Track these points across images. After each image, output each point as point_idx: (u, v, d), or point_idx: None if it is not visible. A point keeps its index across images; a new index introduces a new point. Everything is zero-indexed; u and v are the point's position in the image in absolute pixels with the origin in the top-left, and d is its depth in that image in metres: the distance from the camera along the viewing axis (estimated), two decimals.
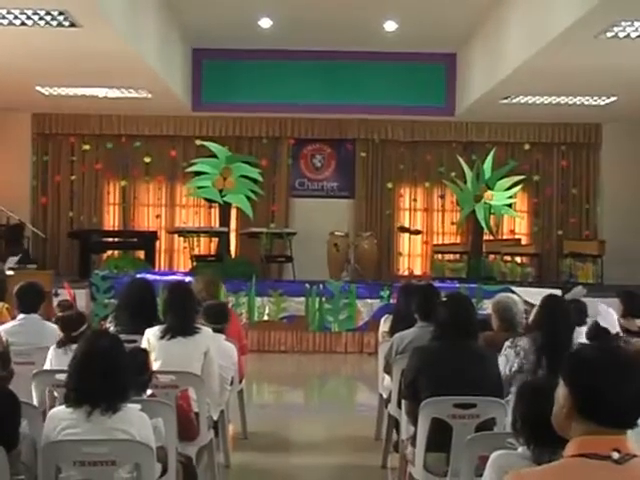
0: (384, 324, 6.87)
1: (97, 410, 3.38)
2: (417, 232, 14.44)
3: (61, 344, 4.81)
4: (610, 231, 14.31)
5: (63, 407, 3.48)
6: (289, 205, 14.97)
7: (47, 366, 4.78)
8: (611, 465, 2.07)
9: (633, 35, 8.68)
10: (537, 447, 2.76)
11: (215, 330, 5.47)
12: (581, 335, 5.32)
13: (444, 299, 4.84)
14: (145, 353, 4.36)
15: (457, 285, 11.79)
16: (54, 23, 8.71)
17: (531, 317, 4.94)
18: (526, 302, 5.90)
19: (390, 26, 12.34)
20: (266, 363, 10.69)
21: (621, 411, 2.12)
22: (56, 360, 4.74)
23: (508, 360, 4.62)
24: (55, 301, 8.51)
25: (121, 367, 3.52)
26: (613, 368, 2.14)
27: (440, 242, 14.97)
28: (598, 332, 5.21)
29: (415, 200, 15.16)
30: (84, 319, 5.07)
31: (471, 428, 4.03)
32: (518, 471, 2.25)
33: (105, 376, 3.42)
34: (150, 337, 4.89)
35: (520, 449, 2.87)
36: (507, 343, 4.68)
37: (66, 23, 8.72)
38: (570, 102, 12.56)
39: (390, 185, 14.96)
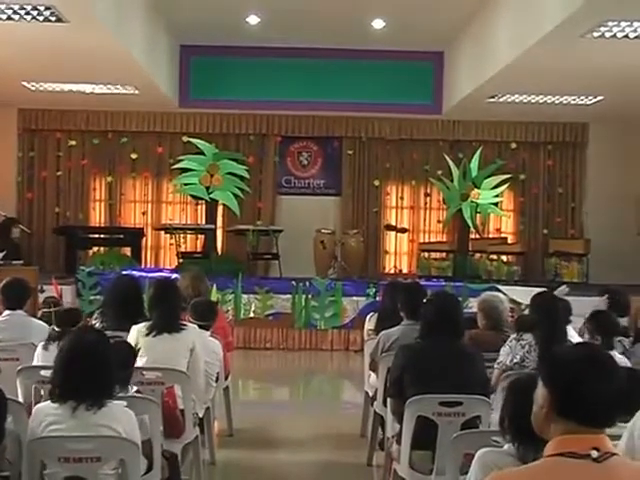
0: (369, 322, 6.88)
1: (82, 406, 3.36)
2: (403, 230, 14.45)
3: (55, 339, 4.76)
4: (595, 230, 14.35)
5: (48, 402, 3.47)
6: (276, 202, 14.93)
7: (35, 362, 4.75)
8: (590, 464, 2.08)
9: (619, 35, 8.72)
10: (522, 445, 2.77)
11: (201, 327, 5.47)
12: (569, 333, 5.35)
13: (430, 297, 4.86)
14: (129, 347, 4.34)
15: (443, 283, 11.81)
16: (41, 18, 8.68)
17: (526, 312, 4.98)
18: (512, 300, 5.93)
19: (378, 24, 12.33)
20: (252, 360, 10.70)
21: (600, 410, 2.13)
22: (43, 357, 4.70)
23: (512, 350, 4.66)
24: (41, 297, 8.48)
25: (106, 363, 3.50)
26: (591, 368, 2.15)
27: (426, 240, 14.96)
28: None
29: (402, 198, 15.15)
30: (80, 315, 5.07)
31: (457, 426, 4.04)
32: (498, 472, 2.26)
33: (90, 372, 3.41)
34: (136, 334, 4.87)
35: (506, 446, 2.88)
36: (513, 335, 4.76)
37: (53, 18, 8.69)
38: (557, 101, 12.60)
39: (377, 183, 14.95)
